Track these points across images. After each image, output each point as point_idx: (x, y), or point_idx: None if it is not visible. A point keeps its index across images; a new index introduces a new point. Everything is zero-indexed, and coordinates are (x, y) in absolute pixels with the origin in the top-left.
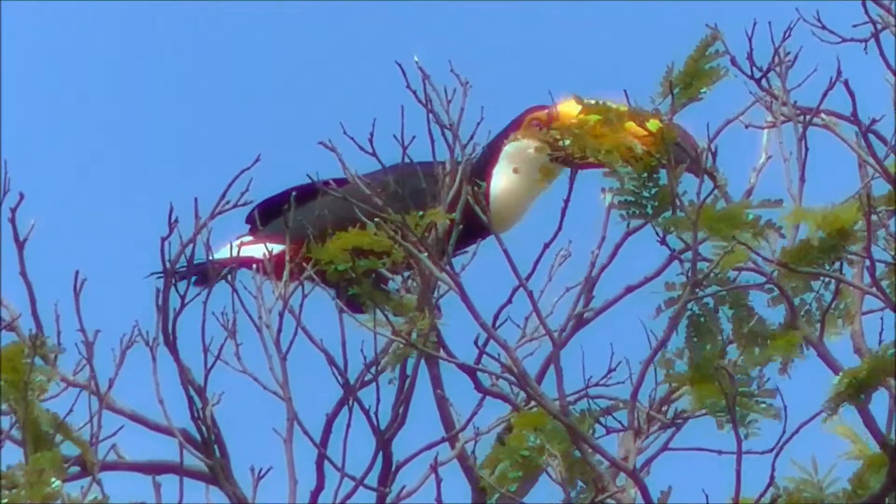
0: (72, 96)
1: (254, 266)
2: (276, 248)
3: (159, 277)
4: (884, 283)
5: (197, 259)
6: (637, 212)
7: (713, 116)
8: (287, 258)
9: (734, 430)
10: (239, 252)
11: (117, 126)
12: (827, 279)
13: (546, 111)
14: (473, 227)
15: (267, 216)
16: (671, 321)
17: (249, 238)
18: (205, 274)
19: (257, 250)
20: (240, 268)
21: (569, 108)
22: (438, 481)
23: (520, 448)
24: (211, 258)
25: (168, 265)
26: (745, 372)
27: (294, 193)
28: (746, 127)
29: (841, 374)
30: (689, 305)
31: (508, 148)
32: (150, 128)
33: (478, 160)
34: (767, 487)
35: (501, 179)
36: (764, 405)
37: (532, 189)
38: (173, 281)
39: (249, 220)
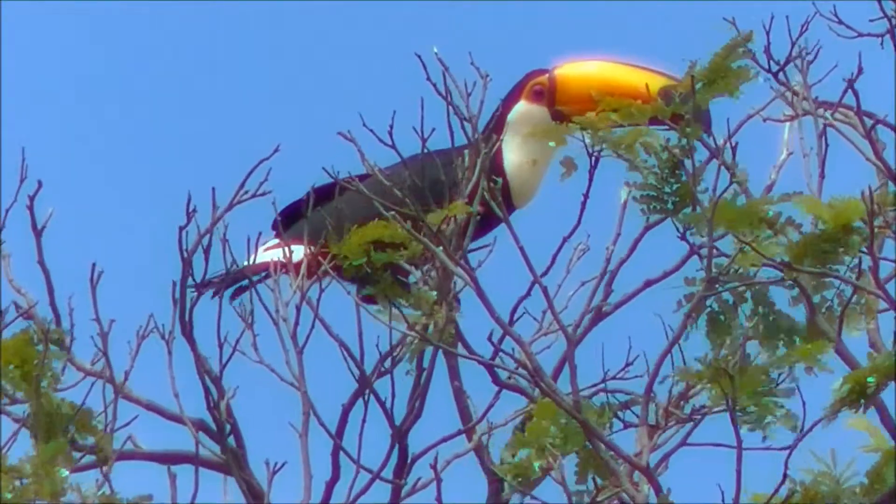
0: (91, 86)
1: (282, 269)
2: (300, 249)
3: (193, 288)
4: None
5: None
6: (658, 207)
7: (730, 110)
8: (307, 252)
9: (734, 429)
10: (268, 258)
11: (136, 115)
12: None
13: (547, 76)
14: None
15: (291, 220)
16: (686, 316)
17: (276, 242)
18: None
19: (283, 254)
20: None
21: (568, 72)
22: (439, 481)
23: (542, 436)
24: (239, 266)
25: (185, 255)
26: (764, 371)
27: (313, 186)
28: (764, 120)
29: (843, 379)
30: (708, 301)
31: (513, 116)
32: (168, 117)
33: (483, 134)
34: (780, 484)
35: (513, 153)
36: (782, 411)
37: (544, 156)
38: (214, 293)
39: (275, 226)
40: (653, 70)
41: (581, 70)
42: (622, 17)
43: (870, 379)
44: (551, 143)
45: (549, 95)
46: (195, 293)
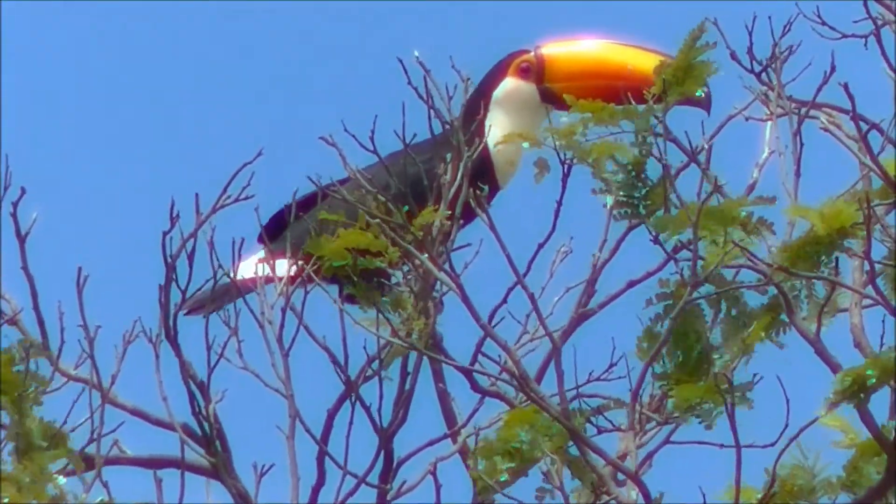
0: (74, 91)
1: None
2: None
3: (187, 313)
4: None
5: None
6: (629, 212)
7: (712, 110)
8: (292, 261)
9: (733, 434)
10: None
11: (119, 121)
12: (825, 271)
13: (533, 53)
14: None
15: (276, 231)
16: (672, 321)
17: (261, 255)
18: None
19: (268, 268)
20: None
21: (555, 49)
22: (438, 486)
23: (510, 441)
24: (226, 282)
25: (169, 260)
26: (723, 368)
27: (294, 196)
28: (747, 119)
29: (843, 372)
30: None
31: (499, 93)
32: (151, 123)
33: (466, 113)
34: (771, 486)
35: (499, 130)
36: (737, 396)
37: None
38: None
39: (260, 239)
40: (645, 48)
41: (569, 47)
42: (604, 19)
43: (869, 371)
44: (525, 144)
45: (536, 72)
46: (185, 314)
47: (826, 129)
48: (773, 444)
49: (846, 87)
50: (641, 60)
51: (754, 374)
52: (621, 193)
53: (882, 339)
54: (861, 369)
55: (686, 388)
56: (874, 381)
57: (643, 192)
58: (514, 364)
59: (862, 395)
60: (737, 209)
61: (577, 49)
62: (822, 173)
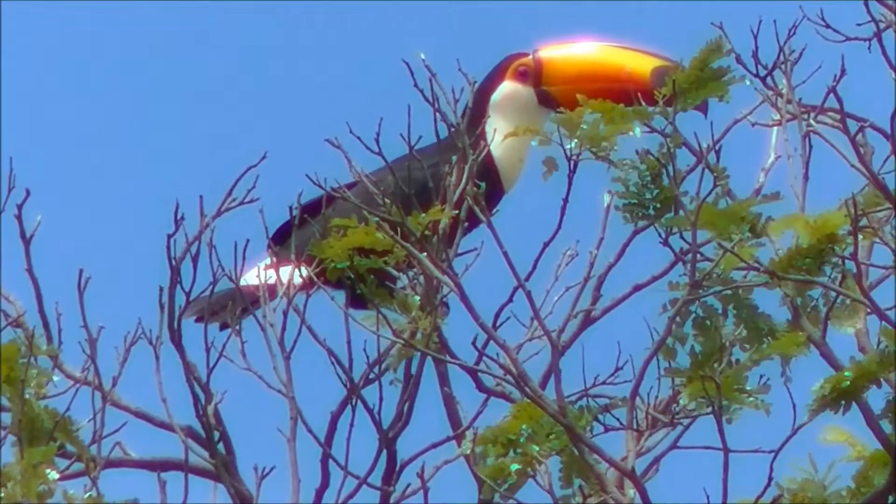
0: (77, 92)
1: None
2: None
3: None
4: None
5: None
6: (640, 213)
7: (718, 114)
8: (298, 266)
9: (720, 435)
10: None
11: (123, 123)
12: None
13: (531, 56)
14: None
15: (284, 238)
16: (670, 321)
17: (268, 262)
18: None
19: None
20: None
21: (553, 52)
22: (426, 490)
23: (511, 432)
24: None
25: (173, 263)
26: (741, 370)
27: (299, 200)
28: (753, 125)
29: (823, 380)
30: (693, 307)
31: (497, 96)
32: (155, 124)
33: (465, 117)
34: (766, 488)
35: (500, 133)
36: (752, 399)
37: (527, 137)
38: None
39: (268, 247)
40: (643, 51)
41: (567, 50)
42: (609, 21)
43: (847, 374)
44: (534, 143)
45: (534, 76)
46: (195, 321)
47: (815, 132)
48: (776, 451)
49: (835, 91)
50: (639, 63)
51: (761, 376)
52: (632, 192)
53: (878, 340)
54: (839, 376)
55: (698, 385)
56: (849, 383)
57: (655, 193)
58: (511, 363)
59: (842, 402)
60: (745, 209)
61: (574, 52)
62: (832, 176)
